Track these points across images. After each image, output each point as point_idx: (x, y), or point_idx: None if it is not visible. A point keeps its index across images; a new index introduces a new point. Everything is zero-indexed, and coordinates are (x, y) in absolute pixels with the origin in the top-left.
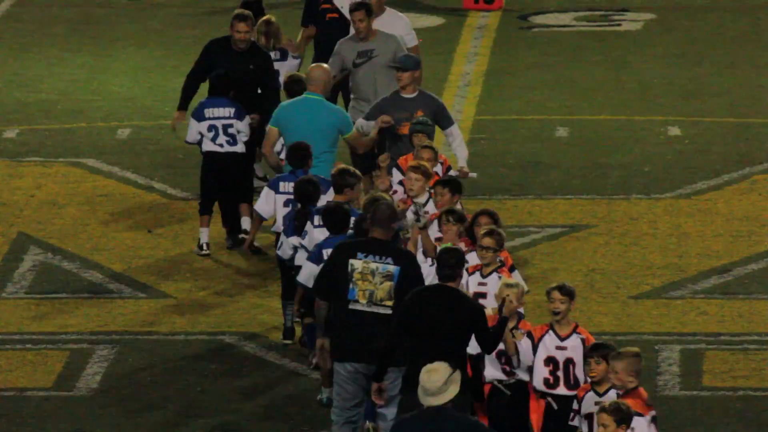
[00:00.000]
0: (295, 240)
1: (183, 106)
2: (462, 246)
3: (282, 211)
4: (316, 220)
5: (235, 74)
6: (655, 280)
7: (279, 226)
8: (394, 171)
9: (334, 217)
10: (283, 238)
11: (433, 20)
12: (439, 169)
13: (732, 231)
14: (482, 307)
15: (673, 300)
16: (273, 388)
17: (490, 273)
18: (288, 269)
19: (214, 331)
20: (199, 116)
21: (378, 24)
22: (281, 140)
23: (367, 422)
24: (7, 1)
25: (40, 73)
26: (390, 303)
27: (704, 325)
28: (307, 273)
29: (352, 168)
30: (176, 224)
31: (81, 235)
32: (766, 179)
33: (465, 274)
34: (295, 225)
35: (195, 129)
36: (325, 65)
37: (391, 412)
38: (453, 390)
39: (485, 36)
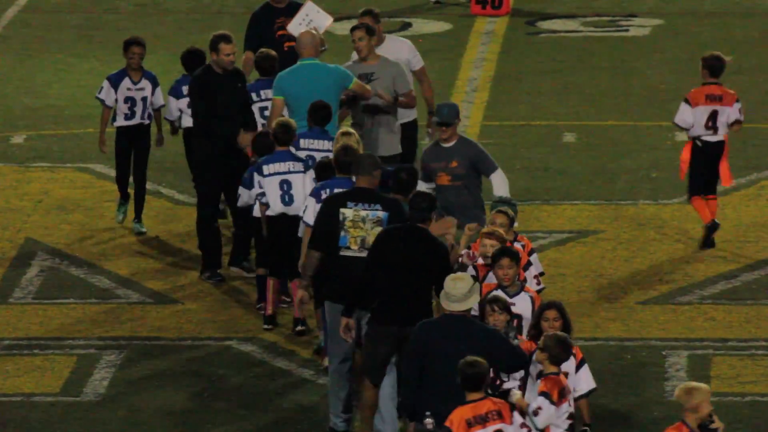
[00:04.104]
0: (254, 192)
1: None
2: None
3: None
4: (266, 169)
5: (225, 95)
6: (663, 286)
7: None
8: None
9: (326, 172)
10: (242, 190)
11: (440, 26)
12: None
13: (739, 236)
14: (447, 247)
15: (681, 305)
16: (280, 394)
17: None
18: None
19: (221, 336)
20: (178, 94)
21: (382, 53)
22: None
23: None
24: (14, 7)
25: (47, 78)
26: None
27: (712, 330)
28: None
29: (288, 120)
30: (184, 230)
31: (88, 240)
32: None
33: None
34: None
35: (174, 106)
36: (311, 31)
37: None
38: (475, 299)
39: (493, 41)
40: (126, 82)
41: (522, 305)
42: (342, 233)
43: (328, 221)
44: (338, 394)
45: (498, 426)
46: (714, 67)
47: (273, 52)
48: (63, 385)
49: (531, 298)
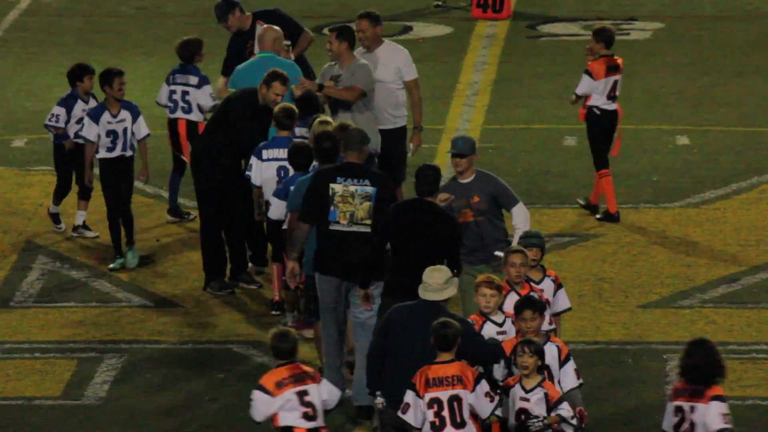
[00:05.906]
0: (248, 173)
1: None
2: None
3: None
4: (265, 154)
5: (257, 126)
6: (664, 289)
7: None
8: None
9: (299, 156)
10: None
11: (441, 29)
12: (550, 286)
13: (740, 240)
14: (455, 217)
15: (682, 309)
16: None
17: None
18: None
19: (222, 339)
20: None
21: (376, 56)
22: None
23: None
24: (15, 11)
25: (48, 82)
26: (369, 221)
27: (712, 334)
28: (276, 208)
29: (292, 105)
30: (184, 233)
31: (89, 244)
32: None
33: None
34: None
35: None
36: (276, 27)
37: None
38: (451, 291)
39: (494, 45)
40: (106, 116)
41: (548, 356)
42: (331, 208)
43: (318, 195)
44: (332, 338)
45: (455, 392)
46: (609, 39)
47: (195, 40)
48: (64, 389)
49: (558, 348)
